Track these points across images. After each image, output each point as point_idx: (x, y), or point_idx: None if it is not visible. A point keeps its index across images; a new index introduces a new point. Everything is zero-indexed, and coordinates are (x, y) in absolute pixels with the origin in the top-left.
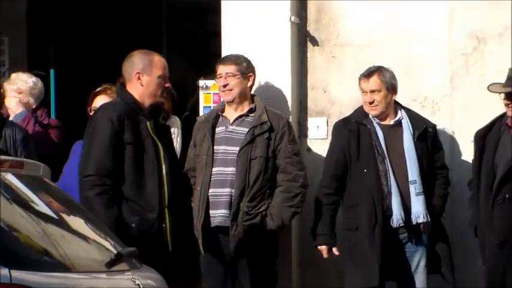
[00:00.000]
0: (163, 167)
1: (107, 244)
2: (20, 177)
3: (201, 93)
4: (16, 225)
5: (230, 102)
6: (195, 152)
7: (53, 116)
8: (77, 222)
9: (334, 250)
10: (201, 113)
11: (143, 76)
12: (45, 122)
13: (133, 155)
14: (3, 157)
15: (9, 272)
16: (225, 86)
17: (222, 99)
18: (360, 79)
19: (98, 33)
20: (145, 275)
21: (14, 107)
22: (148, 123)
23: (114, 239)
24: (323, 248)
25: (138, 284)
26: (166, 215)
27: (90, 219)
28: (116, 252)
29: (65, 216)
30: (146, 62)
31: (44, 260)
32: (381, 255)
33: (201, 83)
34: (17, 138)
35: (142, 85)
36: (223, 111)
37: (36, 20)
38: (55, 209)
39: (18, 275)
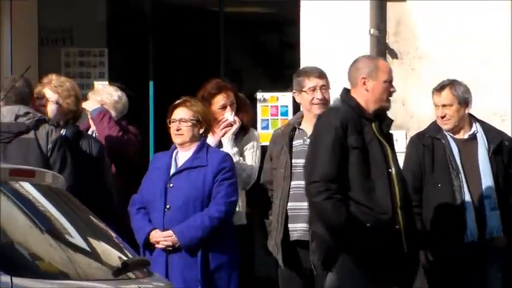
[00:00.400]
0: (392, 168)
1: (116, 253)
2: (36, 186)
3: (259, 106)
4: (19, 232)
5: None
6: (272, 165)
7: (151, 129)
8: (86, 231)
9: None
10: (258, 126)
11: (369, 81)
12: (125, 128)
13: (360, 158)
14: (13, 166)
15: (11, 279)
16: (322, 99)
17: (300, 112)
18: (432, 93)
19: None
20: (154, 284)
21: (90, 106)
22: (373, 125)
23: (125, 248)
24: None
25: None
26: (400, 216)
27: (101, 227)
28: (123, 261)
29: (73, 224)
30: (372, 66)
31: (46, 268)
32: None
33: (259, 95)
34: (93, 150)
35: (367, 90)
36: (299, 124)
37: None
38: (64, 217)
39: (20, 282)
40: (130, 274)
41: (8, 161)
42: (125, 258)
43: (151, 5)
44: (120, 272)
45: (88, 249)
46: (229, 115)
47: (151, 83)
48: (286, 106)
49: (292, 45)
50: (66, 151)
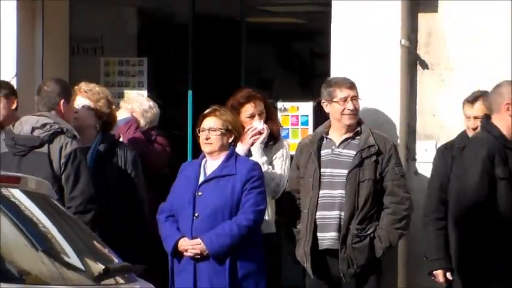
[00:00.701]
0: None
1: (100, 258)
2: (21, 192)
3: (279, 115)
4: (5, 239)
5: (349, 126)
6: (298, 174)
7: (189, 138)
8: (69, 236)
9: (449, 275)
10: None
11: None
12: (152, 139)
13: (508, 189)
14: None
15: None
16: (353, 109)
17: (328, 122)
18: (464, 104)
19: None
20: None
21: (120, 115)
22: None
23: (110, 254)
24: (438, 273)
25: None
26: None
27: (86, 234)
28: (105, 266)
29: (57, 229)
30: None
31: (27, 273)
32: None
33: (279, 105)
34: (128, 159)
35: (511, 116)
36: (327, 133)
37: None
38: (47, 222)
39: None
40: (112, 280)
41: (21, 173)
42: (108, 264)
43: (191, 16)
44: (102, 277)
45: (71, 254)
46: (257, 123)
47: (189, 92)
48: (307, 116)
49: (322, 56)
50: (81, 164)
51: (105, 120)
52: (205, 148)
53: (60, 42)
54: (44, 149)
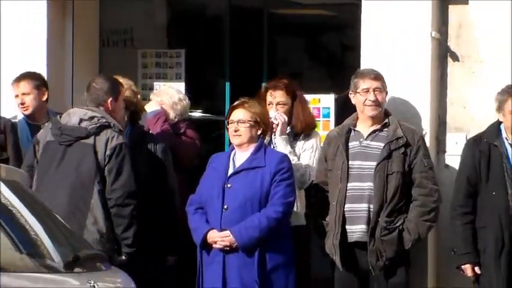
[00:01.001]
0: None
1: (72, 246)
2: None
3: None
4: None
5: (373, 117)
6: (326, 166)
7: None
8: (41, 224)
9: (477, 269)
10: None
11: None
12: (181, 131)
13: None
14: None
15: None
16: (374, 101)
17: (356, 114)
18: (504, 101)
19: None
20: (108, 278)
21: (149, 108)
22: None
23: (82, 242)
24: (467, 267)
25: (94, 286)
26: None
27: (58, 221)
28: (74, 254)
29: (28, 217)
30: None
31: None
32: (507, 281)
33: None
34: (158, 150)
35: None
36: (355, 125)
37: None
38: (19, 209)
39: None
40: (82, 267)
41: (64, 163)
42: (79, 251)
43: (228, 7)
44: (71, 265)
45: (42, 241)
46: (272, 113)
47: (227, 84)
48: (328, 108)
49: (352, 48)
50: (125, 158)
51: (133, 110)
52: (234, 140)
53: (90, 35)
54: (90, 140)
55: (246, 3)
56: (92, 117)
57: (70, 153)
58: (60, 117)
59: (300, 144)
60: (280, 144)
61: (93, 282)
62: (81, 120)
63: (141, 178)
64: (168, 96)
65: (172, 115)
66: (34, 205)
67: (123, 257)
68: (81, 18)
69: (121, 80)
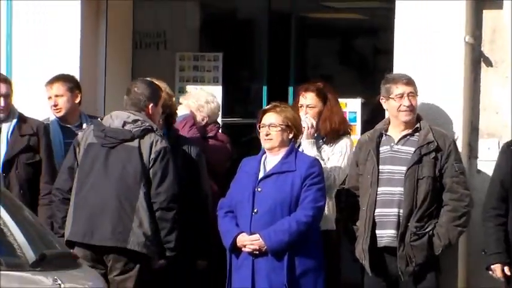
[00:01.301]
0: None
1: (39, 245)
2: None
3: None
4: None
5: (406, 122)
6: (358, 171)
7: None
8: (12, 222)
9: (506, 269)
10: None
11: None
12: (210, 134)
13: None
14: None
15: None
16: (409, 106)
17: (387, 118)
18: None
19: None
20: (76, 277)
21: (179, 111)
22: None
23: (55, 241)
24: (496, 267)
25: (59, 284)
26: None
27: (30, 220)
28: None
29: (5, 217)
30: None
31: None
32: None
33: None
34: (192, 154)
35: None
36: (386, 130)
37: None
38: None
39: None
40: (49, 266)
41: (108, 165)
42: (43, 250)
43: (267, 14)
44: (38, 263)
45: (11, 239)
46: (302, 116)
47: (264, 88)
48: (355, 112)
49: (385, 52)
50: (169, 162)
51: (168, 112)
52: (265, 144)
53: (124, 37)
54: (135, 143)
55: (280, 6)
56: (135, 120)
57: (114, 156)
58: (102, 119)
59: (328, 148)
60: (306, 147)
61: (59, 281)
62: (124, 123)
63: (177, 181)
64: (194, 99)
65: (199, 118)
66: (6, 201)
67: (163, 261)
68: (115, 21)
69: (156, 82)
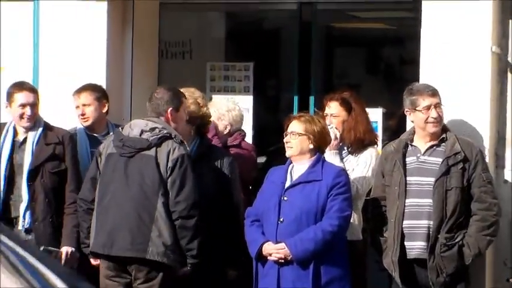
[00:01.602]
0: None
1: None
2: None
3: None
4: None
5: (433, 133)
6: (383, 181)
7: None
8: None
9: None
10: None
11: None
12: (234, 143)
13: None
14: None
15: None
16: (437, 117)
17: (412, 128)
18: None
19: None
20: None
21: None
22: None
23: None
24: None
25: None
26: None
27: None
28: None
29: None
30: None
31: None
32: None
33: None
34: (224, 163)
35: None
36: (412, 140)
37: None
38: None
39: None
40: None
41: (128, 175)
42: None
43: (298, 24)
44: None
45: None
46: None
47: (295, 98)
48: (376, 122)
49: (411, 62)
50: (188, 169)
51: (199, 123)
52: (286, 152)
53: (150, 47)
54: (152, 151)
55: (308, 16)
56: (153, 128)
57: (132, 165)
58: (122, 128)
59: (353, 159)
60: (329, 158)
61: None
62: (142, 132)
63: (208, 190)
64: (215, 108)
65: (221, 127)
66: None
67: (188, 267)
68: (141, 31)
69: (186, 93)
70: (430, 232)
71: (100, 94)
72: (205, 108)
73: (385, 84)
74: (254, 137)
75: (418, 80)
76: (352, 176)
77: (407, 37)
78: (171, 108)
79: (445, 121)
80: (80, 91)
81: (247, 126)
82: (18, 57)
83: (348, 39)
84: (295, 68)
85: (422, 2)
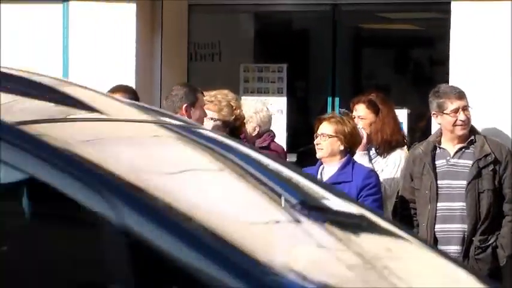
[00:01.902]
0: None
1: None
2: None
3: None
4: None
5: (461, 136)
6: (413, 184)
7: None
8: None
9: None
10: None
11: None
12: (264, 144)
13: None
14: None
15: None
16: (465, 120)
17: (439, 130)
18: None
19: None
20: None
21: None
22: None
23: None
24: None
25: None
26: None
27: None
28: None
29: None
30: None
31: None
32: None
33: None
34: None
35: None
36: (439, 142)
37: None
38: None
39: None
40: None
41: None
42: None
43: (331, 25)
44: None
45: None
46: None
47: (329, 99)
48: (401, 123)
49: (441, 63)
50: None
51: (232, 127)
52: (317, 153)
53: (179, 49)
54: None
55: (340, 17)
56: None
57: None
58: None
59: (381, 160)
60: (358, 159)
61: None
62: None
63: None
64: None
65: (249, 129)
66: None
67: None
68: (170, 33)
69: (219, 96)
70: (465, 236)
71: (132, 96)
72: (238, 111)
73: (414, 85)
74: (288, 138)
75: (447, 81)
76: (381, 177)
77: (437, 38)
78: (186, 105)
79: (474, 122)
80: (112, 92)
81: (281, 128)
82: (48, 59)
83: (377, 40)
84: (330, 69)
85: (452, 2)
